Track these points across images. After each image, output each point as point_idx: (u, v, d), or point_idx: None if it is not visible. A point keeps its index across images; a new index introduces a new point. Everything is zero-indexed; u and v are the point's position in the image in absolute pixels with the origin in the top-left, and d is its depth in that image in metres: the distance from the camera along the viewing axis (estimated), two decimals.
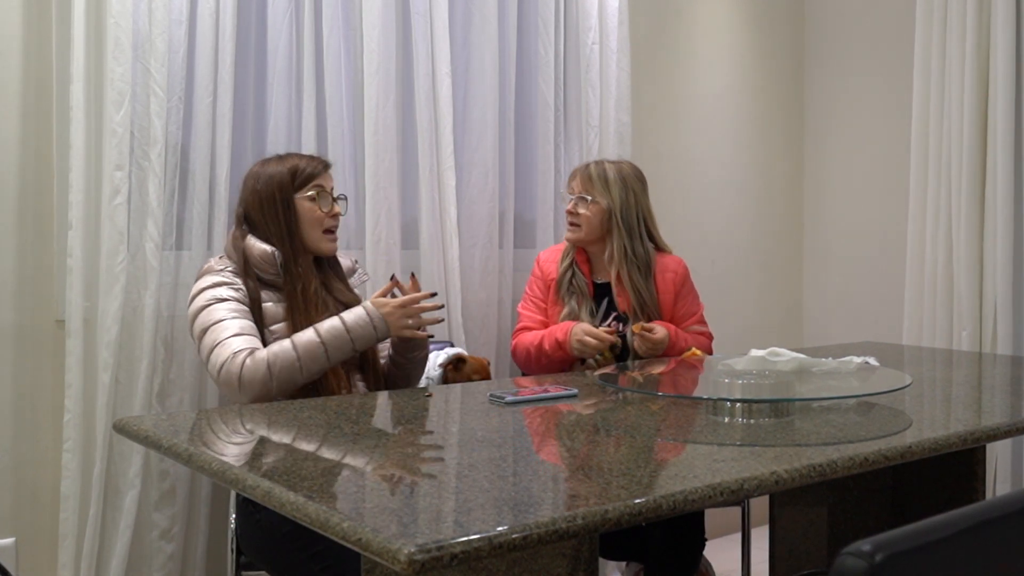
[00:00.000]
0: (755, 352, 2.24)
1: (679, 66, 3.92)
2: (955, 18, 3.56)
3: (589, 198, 2.82)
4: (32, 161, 2.53)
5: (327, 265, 2.48)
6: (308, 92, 2.85)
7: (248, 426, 1.87)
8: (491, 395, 2.16)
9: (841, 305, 4.25)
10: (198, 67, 2.67)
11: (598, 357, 2.73)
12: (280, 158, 2.44)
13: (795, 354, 2.23)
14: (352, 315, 2.25)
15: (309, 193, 2.40)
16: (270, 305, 2.31)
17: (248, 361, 2.14)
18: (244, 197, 2.43)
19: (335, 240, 2.45)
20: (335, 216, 2.44)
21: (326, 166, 2.47)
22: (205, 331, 2.22)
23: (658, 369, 2.57)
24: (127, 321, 2.56)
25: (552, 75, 3.33)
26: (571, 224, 2.85)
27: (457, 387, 2.37)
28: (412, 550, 1.13)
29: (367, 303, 2.29)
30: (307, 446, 1.75)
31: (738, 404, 1.95)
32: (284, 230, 2.37)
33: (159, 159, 2.58)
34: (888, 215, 4.04)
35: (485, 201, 3.20)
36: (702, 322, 2.92)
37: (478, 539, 1.18)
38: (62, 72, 2.53)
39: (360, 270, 2.62)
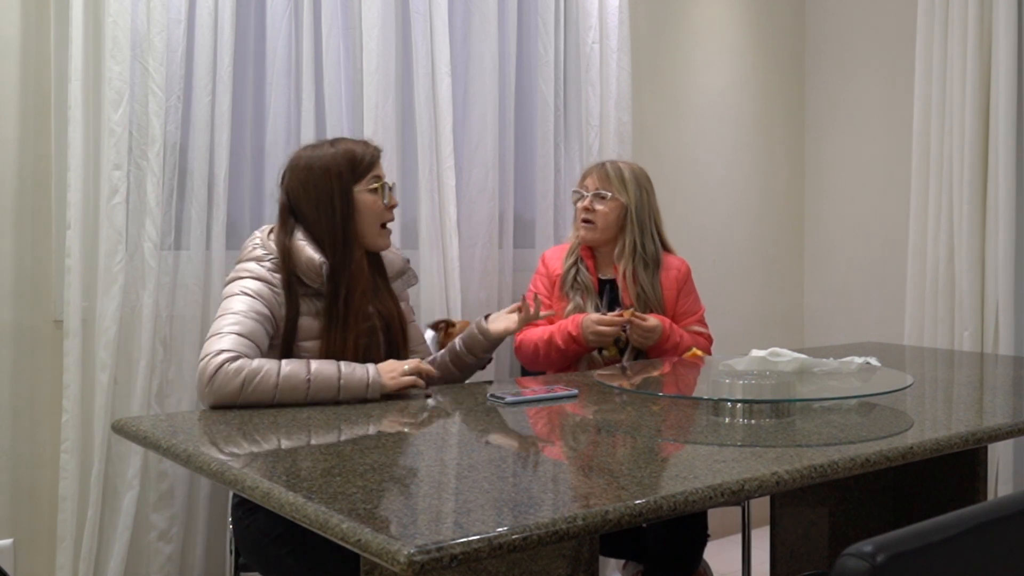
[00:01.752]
0: (756, 352, 2.23)
1: (680, 65, 3.92)
2: (956, 17, 3.56)
3: (608, 195, 2.82)
4: (30, 161, 2.53)
5: (375, 265, 2.34)
6: (307, 91, 2.85)
7: (247, 427, 1.86)
8: (491, 395, 2.16)
9: (842, 305, 4.25)
10: (197, 66, 2.66)
11: (604, 352, 2.73)
12: (332, 143, 2.27)
13: (796, 354, 2.23)
14: (353, 374, 2.05)
15: (371, 185, 2.25)
16: (306, 319, 2.18)
17: (228, 367, 1.98)
18: (291, 187, 2.24)
19: (390, 234, 2.34)
20: (392, 208, 2.31)
21: (379, 151, 2.31)
22: (219, 316, 2.12)
23: (659, 370, 2.56)
24: (125, 321, 2.55)
25: (552, 75, 3.33)
26: (585, 221, 2.84)
27: (457, 387, 2.36)
28: (412, 551, 1.13)
29: (373, 369, 2.08)
30: (306, 447, 1.75)
31: (739, 404, 1.94)
32: (340, 227, 2.20)
33: (157, 158, 2.57)
34: (889, 215, 4.04)
35: (485, 201, 3.19)
36: (702, 323, 2.92)
37: (478, 540, 1.17)
38: (60, 71, 2.53)
39: (411, 272, 2.47)
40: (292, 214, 2.24)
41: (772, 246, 4.27)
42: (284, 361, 2.05)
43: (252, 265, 2.19)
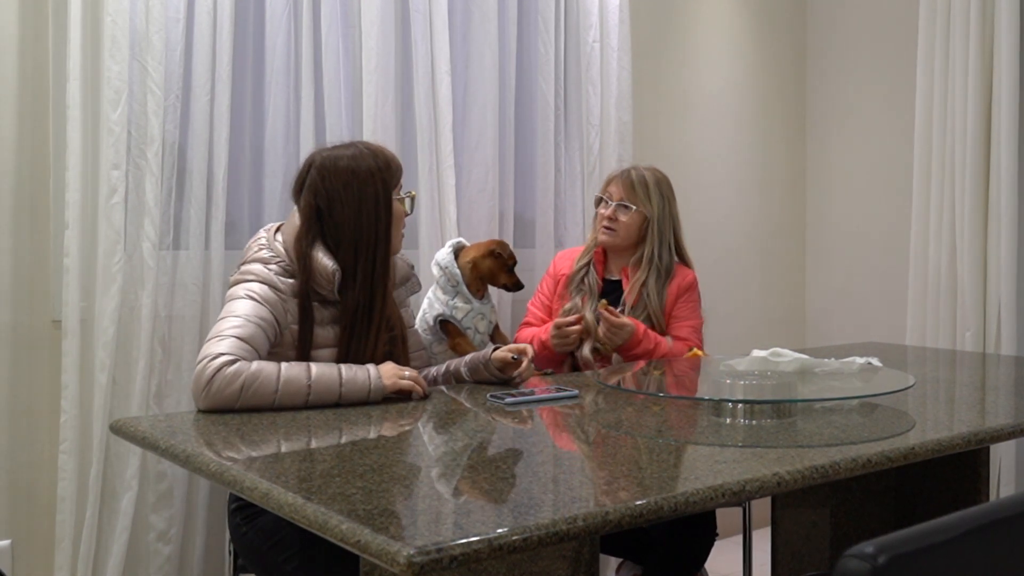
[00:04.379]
0: (757, 353, 2.23)
1: (680, 64, 3.91)
2: (958, 16, 3.54)
3: (633, 207, 2.82)
4: (28, 160, 2.52)
5: None
6: (306, 91, 2.83)
7: (246, 427, 1.86)
8: (491, 396, 2.15)
9: (844, 305, 4.24)
10: (195, 65, 2.65)
11: (598, 347, 2.72)
12: (367, 145, 2.22)
13: (797, 355, 2.23)
14: (355, 379, 2.03)
15: (400, 195, 2.23)
16: (318, 329, 2.14)
17: (226, 370, 1.93)
18: (328, 189, 2.15)
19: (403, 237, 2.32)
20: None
21: None
22: (221, 317, 2.07)
23: (659, 370, 2.56)
24: (124, 321, 2.54)
25: (552, 74, 3.31)
26: (606, 228, 2.84)
27: (457, 387, 2.35)
28: (411, 552, 1.12)
29: (375, 371, 2.07)
30: (306, 447, 1.74)
31: (740, 405, 1.94)
32: (382, 232, 2.16)
33: (156, 158, 2.56)
34: (891, 214, 4.03)
35: (485, 200, 3.19)
36: (696, 333, 2.87)
37: (477, 541, 1.17)
38: (58, 70, 2.52)
39: (415, 279, 2.43)
40: (320, 219, 2.16)
41: (773, 246, 4.26)
42: (284, 365, 2.01)
43: (258, 267, 2.14)
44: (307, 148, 2.80)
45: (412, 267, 2.44)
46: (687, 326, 2.85)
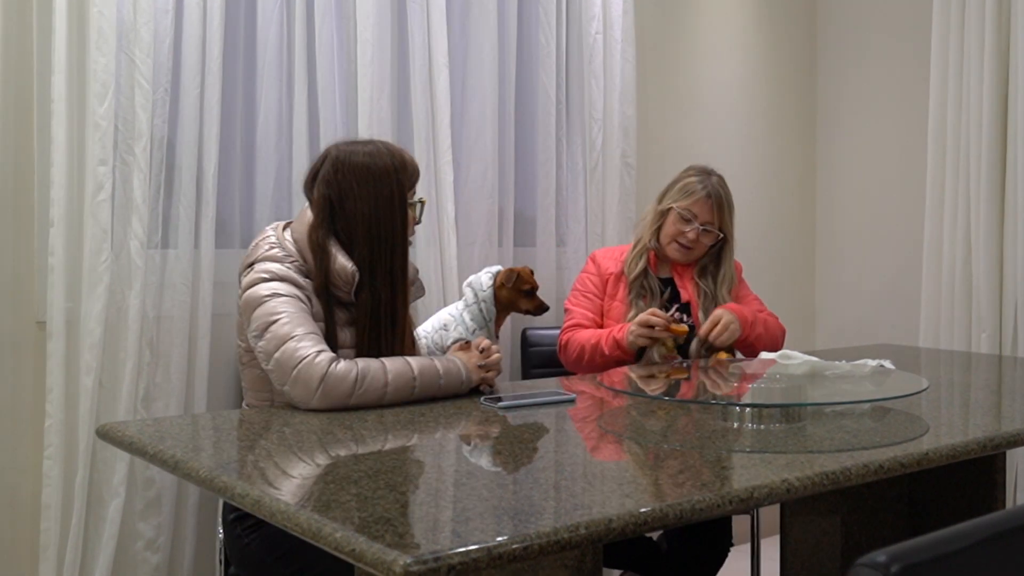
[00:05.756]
0: (766, 355, 2.22)
1: (686, 57, 3.90)
2: (973, 6, 3.54)
3: (721, 234, 2.80)
4: (12, 156, 2.49)
5: None
6: (299, 84, 2.83)
7: (237, 432, 1.85)
8: (484, 399, 2.11)
9: (855, 306, 4.23)
10: (185, 58, 2.64)
11: (663, 350, 2.66)
12: (385, 144, 2.20)
13: (807, 357, 2.22)
14: (450, 372, 2.05)
15: (412, 200, 2.19)
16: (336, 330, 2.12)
17: (338, 366, 1.92)
18: (342, 182, 2.12)
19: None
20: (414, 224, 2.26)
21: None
22: (272, 322, 1.98)
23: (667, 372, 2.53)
24: (111, 323, 2.53)
25: (554, 66, 3.31)
26: (685, 247, 2.79)
27: None
28: (408, 561, 1.11)
29: (462, 364, 2.09)
30: (299, 453, 1.73)
31: (748, 409, 1.93)
32: (399, 229, 2.13)
33: (144, 154, 2.55)
34: (904, 213, 4.02)
35: (484, 197, 3.18)
36: (763, 306, 2.92)
37: (476, 550, 1.15)
38: (43, 63, 2.50)
39: (419, 283, 2.39)
40: (333, 215, 2.13)
41: (782, 244, 4.26)
42: (384, 360, 2.00)
43: (276, 267, 2.07)
44: (300, 144, 2.81)
45: (417, 271, 2.40)
46: (758, 303, 2.89)
